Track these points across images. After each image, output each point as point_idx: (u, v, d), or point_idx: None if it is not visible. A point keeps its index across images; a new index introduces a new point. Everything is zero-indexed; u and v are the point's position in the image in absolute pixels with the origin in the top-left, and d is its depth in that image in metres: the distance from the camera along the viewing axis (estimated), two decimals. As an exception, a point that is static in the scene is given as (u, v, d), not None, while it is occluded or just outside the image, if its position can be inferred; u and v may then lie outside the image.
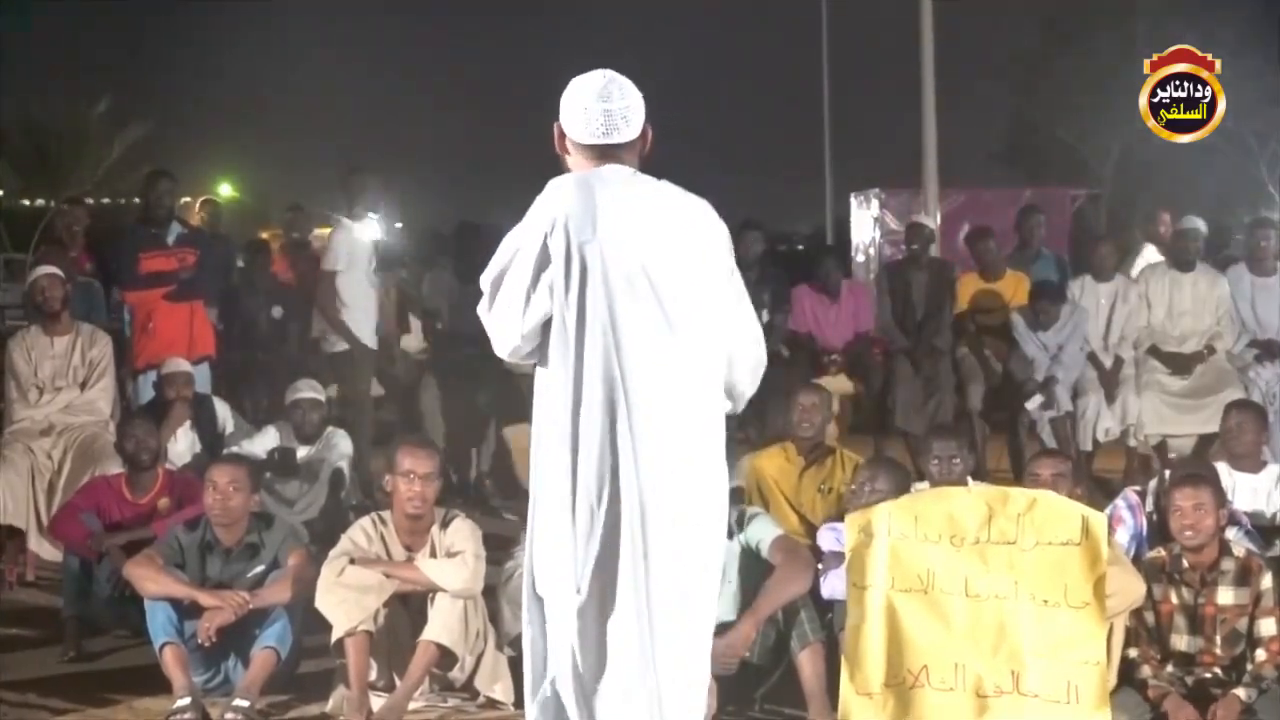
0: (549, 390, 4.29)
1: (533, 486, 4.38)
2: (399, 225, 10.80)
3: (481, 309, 4.36)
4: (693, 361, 4.29)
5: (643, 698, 4.24)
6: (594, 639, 4.23)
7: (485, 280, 4.33)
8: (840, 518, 6.25)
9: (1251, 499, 7.12)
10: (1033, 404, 9.90)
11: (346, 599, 6.17)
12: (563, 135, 4.37)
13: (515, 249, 4.26)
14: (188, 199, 13.85)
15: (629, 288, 4.24)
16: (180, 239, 9.87)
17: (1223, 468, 7.21)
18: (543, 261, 4.23)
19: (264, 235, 15.92)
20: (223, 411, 9.11)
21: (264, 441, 8.52)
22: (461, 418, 10.23)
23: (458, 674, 6.39)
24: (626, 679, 4.23)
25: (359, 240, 10.03)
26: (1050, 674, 5.52)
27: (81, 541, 7.30)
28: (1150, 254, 11.44)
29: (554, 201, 4.27)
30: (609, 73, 4.36)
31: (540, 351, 4.32)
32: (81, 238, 10.61)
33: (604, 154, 4.34)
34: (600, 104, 4.30)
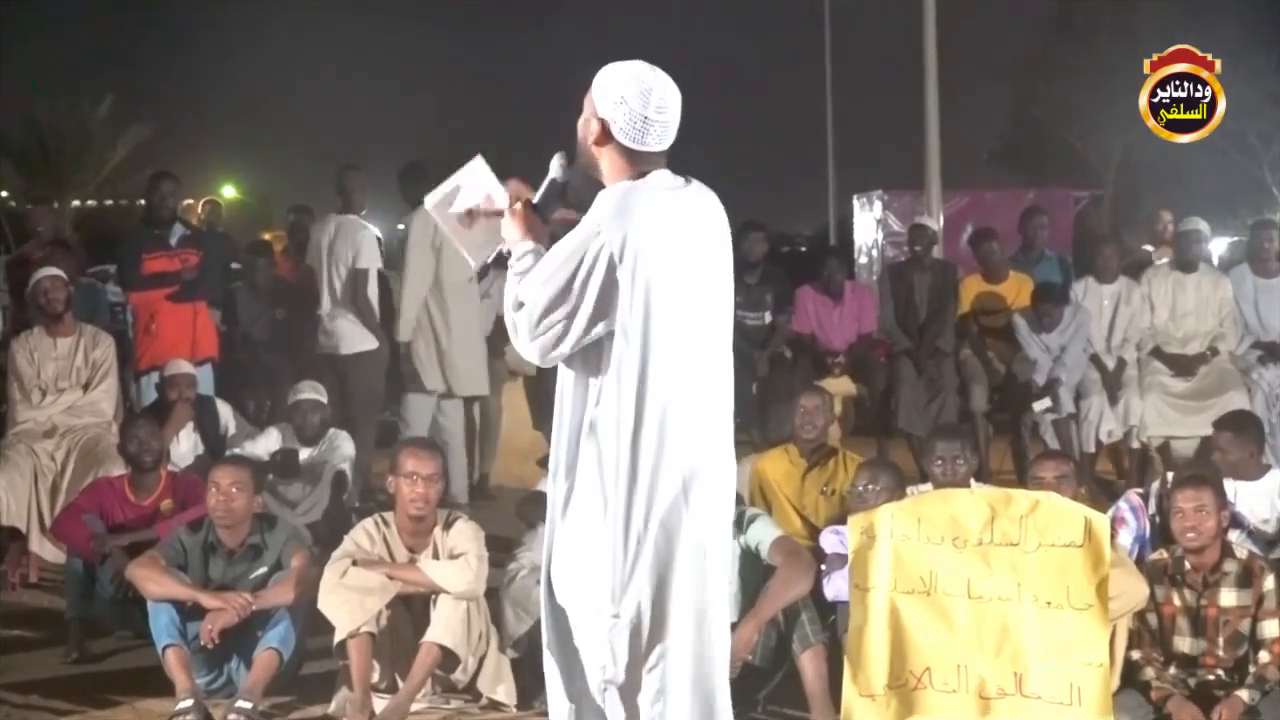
0: (603, 409, 4.16)
1: (571, 503, 4.24)
2: (401, 226, 10.78)
3: (524, 314, 4.14)
4: (729, 377, 4.41)
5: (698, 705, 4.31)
6: (638, 656, 4.20)
7: (539, 290, 4.12)
8: (843, 520, 6.26)
9: (1254, 505, 7.07)
10: (1040, 406, 9.90)
11: (349, 600, 6.18)
12: (605, 130, 4.18)
13: (579, 267, 4.07)
14: (190, 200, 13.85)
15: (692, 316, 4.27)
16: (183, 240, 9.87)
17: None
18: (609, 287, 4.08)
19: (267, 236, 15.91)
20: (225, 413, 9.11)
21: (266, 443, 8.51)
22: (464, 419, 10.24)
23: (460, 675, 6.39)
24: (682, 689, 4.26)
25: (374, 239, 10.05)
26: (1053, 676, 5.52)
27: (84, 543, 7.30)
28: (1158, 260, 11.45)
29: (619, 220, 4.09)
30: (658, 73, 4.20)
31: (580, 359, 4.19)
32: (48, 237, 10.62)
33: (650, 158, 4.22)
34: (659, 114, 4.17)
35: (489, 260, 4.48)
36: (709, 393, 4.35)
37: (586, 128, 4.21)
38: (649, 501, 4.15)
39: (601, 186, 4.24)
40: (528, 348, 4.17)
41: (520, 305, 4.16)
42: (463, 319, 9.62)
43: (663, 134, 4.19)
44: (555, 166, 4.30)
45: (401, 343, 9.64)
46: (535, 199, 4.33)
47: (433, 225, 9.80)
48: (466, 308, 9.68)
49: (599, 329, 4.11)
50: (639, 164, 4.20)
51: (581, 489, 4.20)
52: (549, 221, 4.34)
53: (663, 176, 4.23)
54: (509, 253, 4.29)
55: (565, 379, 4.25)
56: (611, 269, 4.07)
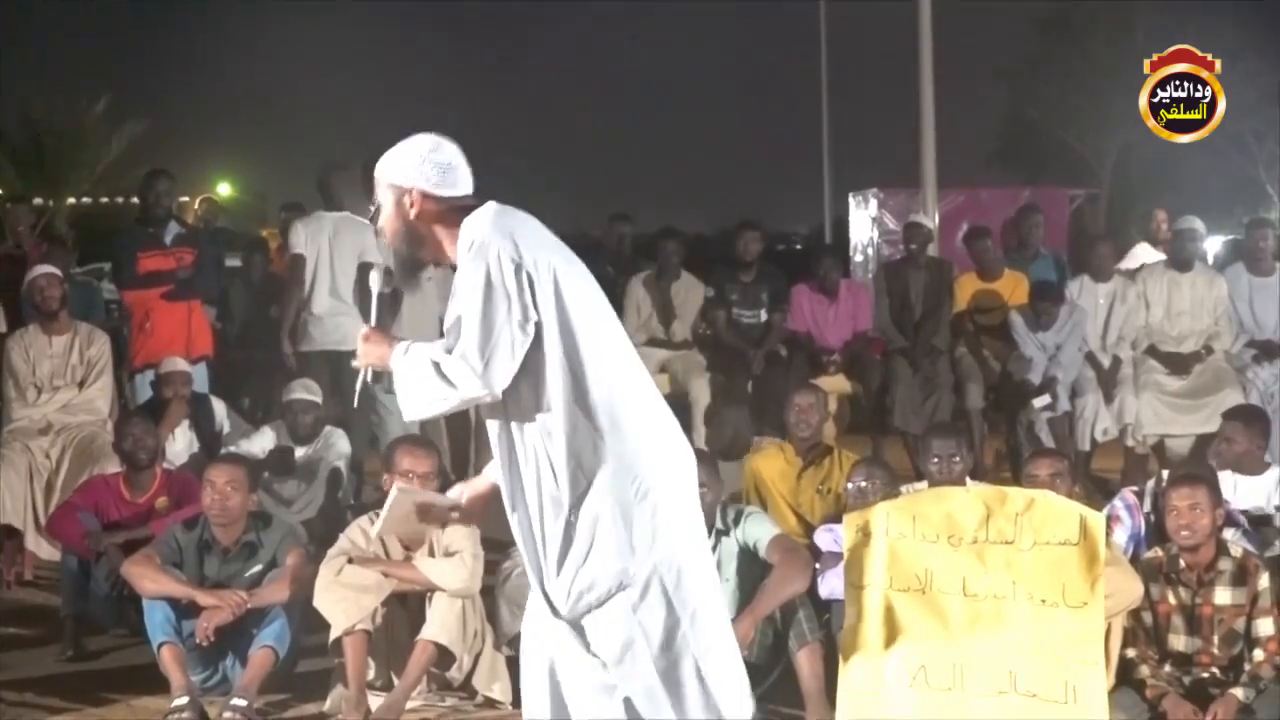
0: (551, 415, 4.19)
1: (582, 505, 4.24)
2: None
3: (462, 349, 4.14)
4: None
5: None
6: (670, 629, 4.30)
7: (468, 319, 4.14)
8: (838, 518, 6.26)
9: (1253, 501, 7.10)
10: (1040, 402, 9.90)
11: (344, 598, 6.18)
12: (422, 198, 4.30)
13: (488, 278, 4.14)
14: (186, 198, 13.83)
15: (599, 299, 4.33)
16: (178, 238, 9.85)
17: (1224, 471, 7.18)
18: (524, 283, 4.15)
19: (264, 233, 15.90)
20: (220, 411, 9.10)
21: (262, 441, 8.51)
22: (459, 417, 10.23)
23: (455, 673, 6.39)
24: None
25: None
26: (1048, 674, 5.51)
27: (79, 540, 7.30)
28: (1143, 252, 11.45)
29: (498, 231, 4.20)
30: (428, 134, 4.40)
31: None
32: (30, 236, 10.61)
33: (468, 204, 4.33)
34: (457, 158, 4.35)
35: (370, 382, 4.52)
36: (645, 375, 4.38)
37: (400, 211, 4.32)
38: (633, 474, 4.21)
39: (419, 271, 4.42)
40: (482, 377, 4.13)
41: (449, 351, 4.16)
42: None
43: (468, 176, 4.34)
44: (375, 280, 4.44)
45: None
46: (372, 321, 4.48)
47: None
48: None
49: (531, 327, 4.15)
50: (465, 213, 4.30)
51: (551, 494, 4.23)
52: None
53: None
54: (372, 377, 4.43)
55: (496, 417, 4.27)
56: (518, 268, 4.15)
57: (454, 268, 4.29)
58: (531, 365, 4.18)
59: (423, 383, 4.20)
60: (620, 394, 4.23)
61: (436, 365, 4.15)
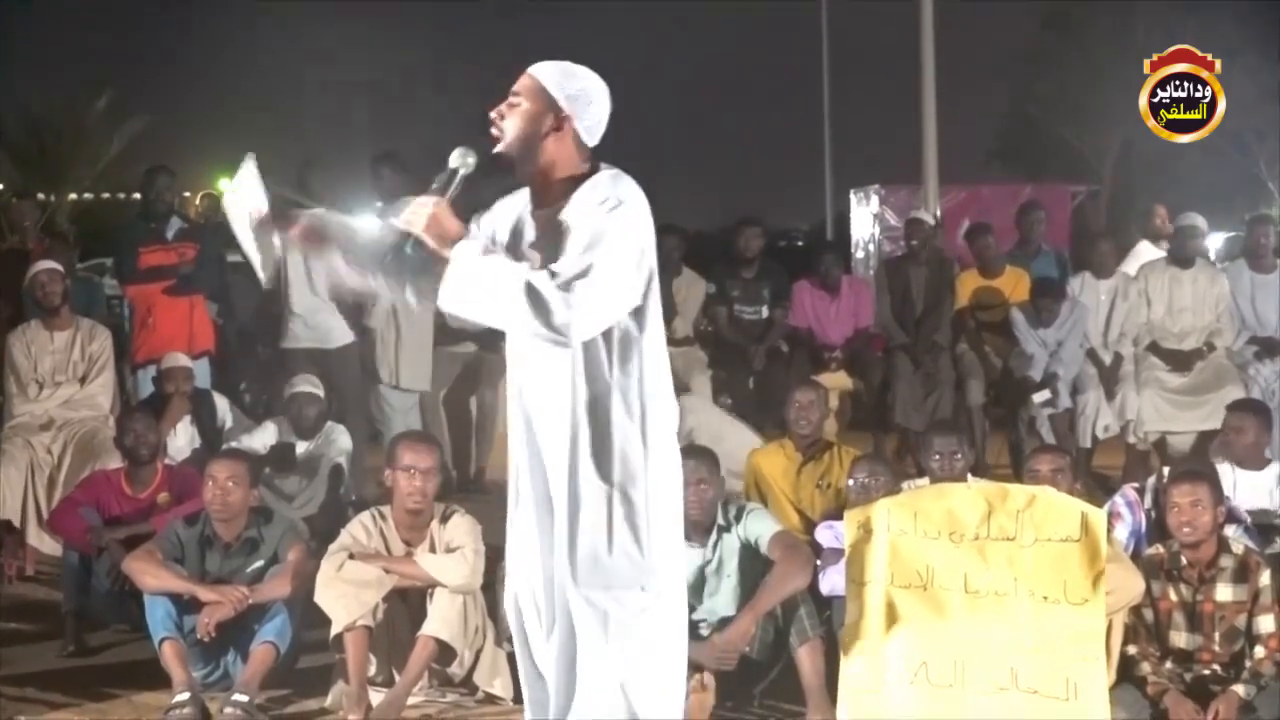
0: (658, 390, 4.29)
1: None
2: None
3: (560, 287, 4.05)
4: None
5: None
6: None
7: (606, 260, 4.10)
8: (839, 513, 6.26)
9: (1253, 495, 7.12)
10: (1039, 398, 9.90)
11: (345, 594, 6.18)
12: (560, 125, 4.29)
13: (623, 248, 4.15)
14: (187, 193, 13.82)
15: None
16: (180, 234, 9.86)
17: (1224, 464, 7.22)
18: (644, 276, 4.23)
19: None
20: (222, 406, 9.10)
21: (263, 436, 8.51)
22: (461, 416, 10.24)
23: (456, 669, 6.39)
24: None
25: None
26: (1049, 670, 5.51)
27: (81, 536, 7.30)
28: (1145, 250, 11.44)
29: (646, 210, 4.27)
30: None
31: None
32: (35, 230, 10.61)
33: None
34: (607, 116, 4.37)
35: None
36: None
37: (534, 120, 4.28)
38: (673, 463, 4.33)
39: (508, 176, 4.34)
40: (570, 318, 4.06)
41: (566, 278, 4.06)
42: (417, 313, 9.54)
43: (599, 136, 4.38)
44: (460, 160, 4.26)
45: (368, 333, 9.61)
46: (446, 196, 4.24)
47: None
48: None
49: (630, 307, 4.21)
50: (587, 158, 4.34)
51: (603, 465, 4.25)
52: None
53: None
54: (412, 247, 4.17)
55: (547, 375, 4.25)
56: (643, 252, 4.21)
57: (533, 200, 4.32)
58: (624, 342, 4.23)
59: (491, 286, 4.08)
60: (668, 409, 4.33)
61: (528, 283, 4.04)
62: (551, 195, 4.31)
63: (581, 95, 4.32)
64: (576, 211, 4.21)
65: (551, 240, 4.22)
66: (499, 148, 4.30)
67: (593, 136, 4.34)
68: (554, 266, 4.10)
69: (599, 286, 4.09)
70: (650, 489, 4.28)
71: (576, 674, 4.27)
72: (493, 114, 4.31)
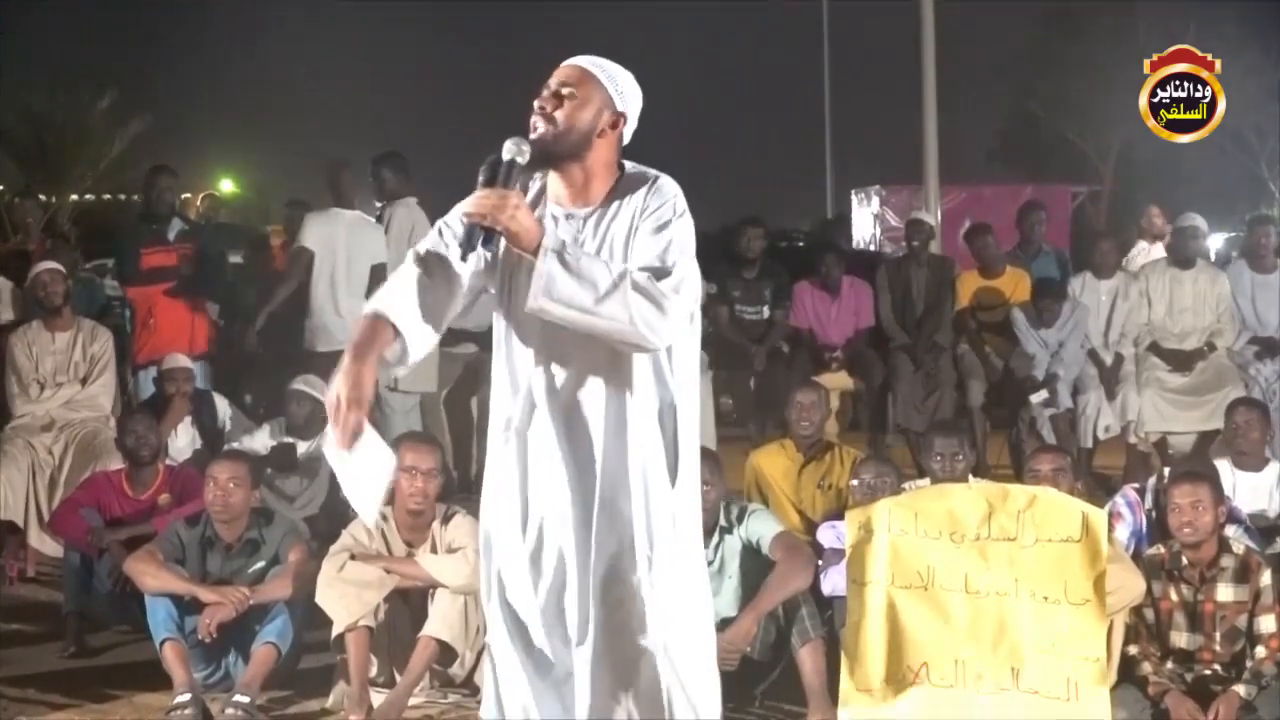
0: (678, 392, 4.19)
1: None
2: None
3: (671, 290, 3.99)
4: None
5: None
6: None
7: (684, 263, 4.05)
8: (840, 514, 6.27)
9: (1253, 497, 7.14)
10: (1037, 399, 9.90)
11: (347, 594, 6.18)
12: (613, 124, 4.17)
13: (692, 254, 4.11)
14: (188, 194, 13.82)
15: None
16: (181, 235, 9.86)
17: (1224, 465, 7.23)
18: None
19: (266, 230, 15.89)
20: (223, 407, 9.11)
21: (264, 437, 8.52)
22: (462, 414, 10.24)
23: (458, 670, 6.40)
24: None
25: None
26: (1050, 670, 5.52)
27: (82, 537, 7.31)
28: (1142, 252, 11.44)
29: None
30: None
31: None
32: (38, 230, 10.63)
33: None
34: None
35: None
36: None
37: (595, 114, 4.12)
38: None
39: (542, 169, 4.16)
40: (670, 323, 4.01)
41: (662, 279, 3.98)
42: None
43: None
44: (515, 149, 4.04)
45: None
46: (508, 185, 4.04)
47: (410, 220, 9.83)
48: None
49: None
50: (620, 159, 4.24)
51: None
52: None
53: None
54: (483, 240, 4.01)
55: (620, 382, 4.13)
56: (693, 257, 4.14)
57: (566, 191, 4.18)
58: (686, 348, 4.19)
59: (595, 284, 3.92)
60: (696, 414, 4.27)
61: (634, 281, 3.93)
62: (590, 195, 4.17)
63: (631, 94, 4.20)
64: (651, 216, 4.09)
65: (599, 242, 4.11)
66: (539, 136, 4.08)
67: (629, 133, 4.23)
68: (643, 268, 4.00)
69: (684, 294, 4.02)
70: (688, 486, 4.21)
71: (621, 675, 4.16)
72: (540, 105, 4.11)
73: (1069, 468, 6.56)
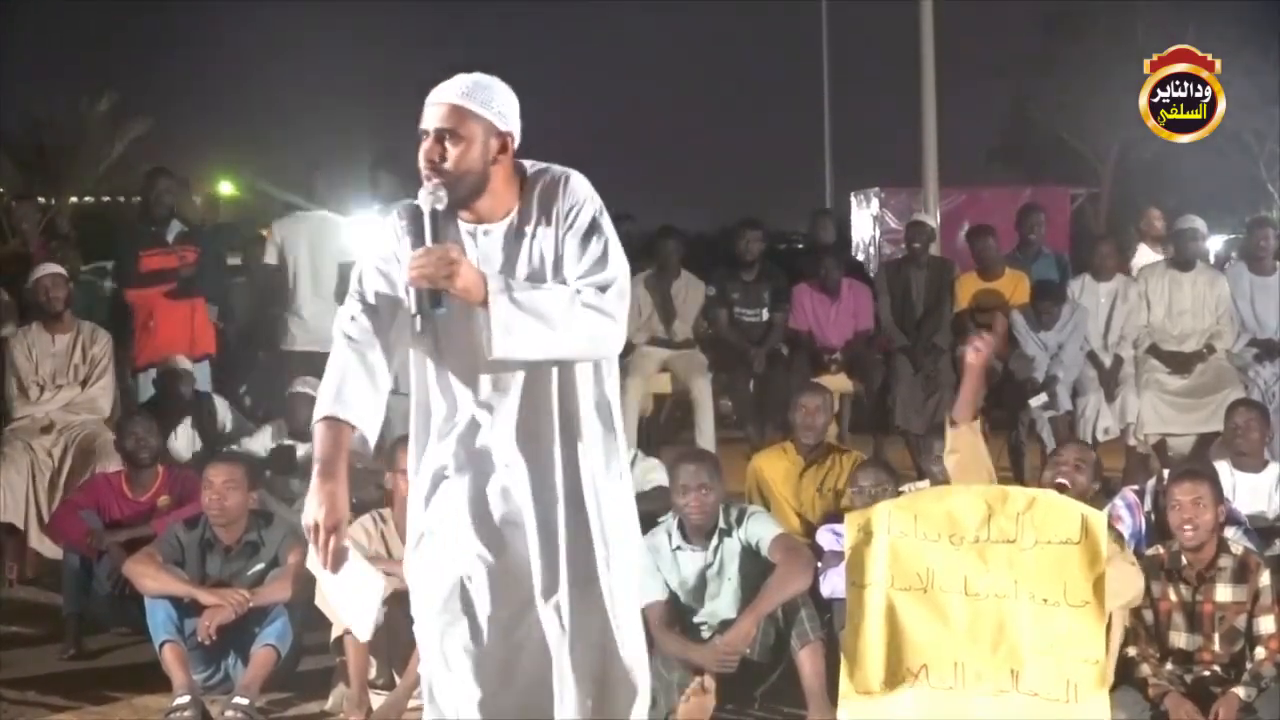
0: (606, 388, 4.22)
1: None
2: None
3: (617, 295, 4.01)
4: None
5: None
6: None
7: (617, 265, 4.05)
8: (840, 517, 6.26)
9: (1252, 499, 7.14)
10: (1037, 401, 9.90)
11: (346, 597, 6.17)
12: (505, 144, 4.09)
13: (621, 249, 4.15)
14: (199, 197, 13.80)
15: None
16: (180, 237, 9.86)
17: (1224, 467, 7.23)
18: None
19: (264, 233, 15.88)
20: (223, 409, 9.11)
21: (263, 439, 8.51)
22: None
23: (457, 672, 6.38)
24: None
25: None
26: (1050, 672, 5.51)
27: (81, 539, 7.31)
28: (1145, 255, 11.45)
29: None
30: None
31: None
32: (36, 232, 10.63)
33: None
34: None
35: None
36: None
37: (482, 148, 4.04)
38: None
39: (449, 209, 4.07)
40: (621, 327, 4.04)
41: (600, 289, 3.98)
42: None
43: None
44: (433, 197, 4.01)
45: None
46: (428, 241, 3.99)
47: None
48: None
49: None
50: (516, 169, 4.17)
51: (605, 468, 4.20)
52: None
53: None
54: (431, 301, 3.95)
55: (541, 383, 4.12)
56: None
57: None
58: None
59: (548, 317, 3.91)
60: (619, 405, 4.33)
61: (581, 301, 3.93)
62: (500, 208, 4.12)
63: (509, 108, 4.10)
64: (574, 222, 4.07)
65: (526, 255, 4.08)
66: (437, 188, 4.01)
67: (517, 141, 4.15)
68: (579, 278, 3.99)
69: (626, 294, 4.03)
70: (626, 476, 4.27)
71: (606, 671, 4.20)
72: (427, 158, 4.05)
73: (1091, 464, 6.58)
